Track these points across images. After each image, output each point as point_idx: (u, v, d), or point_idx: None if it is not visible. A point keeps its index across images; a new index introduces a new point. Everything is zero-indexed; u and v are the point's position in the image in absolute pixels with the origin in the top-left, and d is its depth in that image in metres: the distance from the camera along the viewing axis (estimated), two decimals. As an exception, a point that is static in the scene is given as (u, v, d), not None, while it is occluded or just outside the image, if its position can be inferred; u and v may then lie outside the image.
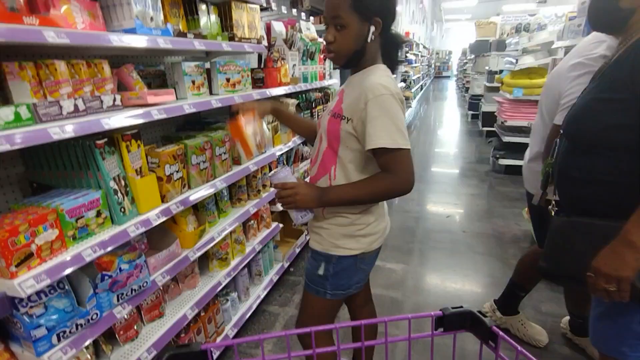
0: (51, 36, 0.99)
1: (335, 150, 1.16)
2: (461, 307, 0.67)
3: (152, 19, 1.36)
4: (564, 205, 1.16)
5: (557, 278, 1.20)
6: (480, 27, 7.58)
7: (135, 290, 1.32)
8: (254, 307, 2.16)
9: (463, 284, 2.57)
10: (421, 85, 12.95)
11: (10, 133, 0.90)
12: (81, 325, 1.14)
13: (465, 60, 12.90)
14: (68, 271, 1.07)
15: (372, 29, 1.07)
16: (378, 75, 1.10)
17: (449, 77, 25.22)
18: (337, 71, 3.53)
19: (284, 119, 1.48)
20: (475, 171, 5.07)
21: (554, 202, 1.21)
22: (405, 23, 9.05)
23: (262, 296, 2.24)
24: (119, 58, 1.64)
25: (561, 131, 1.19)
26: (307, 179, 1.34)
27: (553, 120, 1.52)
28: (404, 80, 8.10)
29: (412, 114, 9.64)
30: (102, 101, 1.19)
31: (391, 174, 1.08)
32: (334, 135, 1.14)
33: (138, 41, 1.27)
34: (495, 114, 5.47)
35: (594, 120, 1.01)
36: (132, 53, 1.72)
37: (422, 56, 13.50)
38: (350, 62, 1.13)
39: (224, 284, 1.85)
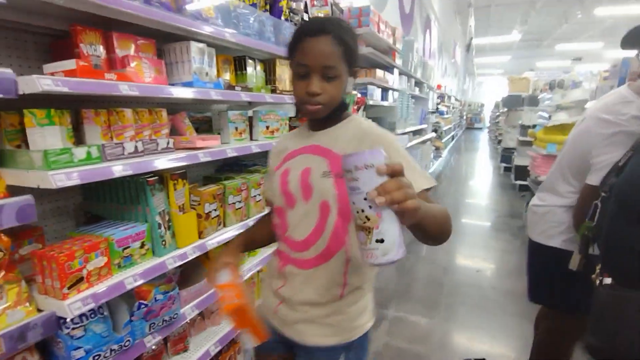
0: (125, 89, 1.16)
1: (347, 216, 0.97)
2: (483, 359, 0.68)
3: (207, 74, 1.54)
4: (612, 275, 1.10)
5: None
6: (513, 82, 7.69)
7: (166, 321, 1.38)
8: (275, 349, 2.14)
9: (492, 344, 2.44)
10: (452, 136, 13.01)
11: (81, 169, 1.04)
12: (115, 350, 1.20)
13: (497, 113, 12.93)
14: (111, 297, 1.15)
15: (351, 79, 1.01)
16: (369, 123, 1.05)
17: (480, 128, 25.13)
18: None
19: (248, 249, 1.21)
20: (508, 225, 4.93)
21: (598, 271, 1.13)
22: (437, 76, 9.34)
23: (283, 339, 2.23)
24: (173, 105, 1.84)
25: (602, 194, 1.16)
26: (292, 269, 1.04)
27: (575, 177, 1.51)
28: (434, 131, 8.20)
29: (443, 164, 9.62)
30: (157, 144, 1.34)
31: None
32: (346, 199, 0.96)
33: (194, 93, 1.44)
34: (528, 168, 5.40)
35: None
36: (186, 101, 1.91)
37: (453, 108, 13.69)
38: (333, 113, 1.02)
39: (247, 323, 1.87)
